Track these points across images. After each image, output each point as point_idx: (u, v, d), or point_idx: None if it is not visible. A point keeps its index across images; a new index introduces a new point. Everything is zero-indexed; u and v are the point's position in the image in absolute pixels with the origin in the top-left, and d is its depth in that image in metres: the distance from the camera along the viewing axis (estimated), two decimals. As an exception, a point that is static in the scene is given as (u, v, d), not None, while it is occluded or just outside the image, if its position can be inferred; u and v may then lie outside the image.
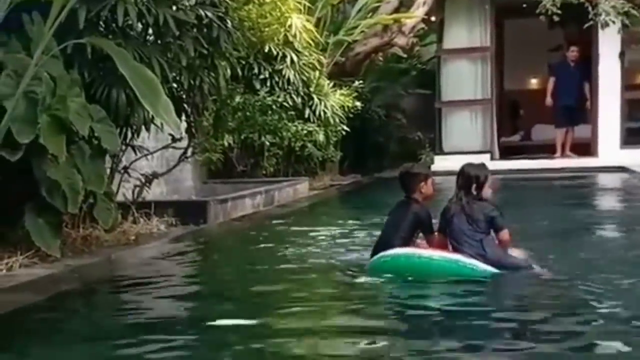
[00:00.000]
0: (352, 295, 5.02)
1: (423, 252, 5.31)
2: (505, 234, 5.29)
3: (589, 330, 4.00)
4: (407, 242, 5.41)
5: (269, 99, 11.52)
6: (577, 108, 15.95)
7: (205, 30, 7.47)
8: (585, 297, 4.66)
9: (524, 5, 14.79)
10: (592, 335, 3.90)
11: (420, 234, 5.54)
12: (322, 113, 12.55)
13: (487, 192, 5.37)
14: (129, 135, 7.53)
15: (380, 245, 5.52)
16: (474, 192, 5.32)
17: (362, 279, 5.34)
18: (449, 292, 4.98)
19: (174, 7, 7.10)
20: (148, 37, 7.23)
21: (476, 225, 5.23)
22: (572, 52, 16.11)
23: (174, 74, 7.43)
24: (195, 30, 7.40)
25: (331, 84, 13.37)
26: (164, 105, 5.33)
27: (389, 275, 5.26)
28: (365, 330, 4.09)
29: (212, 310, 4.71)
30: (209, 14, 7.38)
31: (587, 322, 4.16)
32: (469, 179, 5.34)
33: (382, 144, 17.38)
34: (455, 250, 5.29)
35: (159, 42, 7.19)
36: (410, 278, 5.17)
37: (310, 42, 12.51)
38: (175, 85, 7.72)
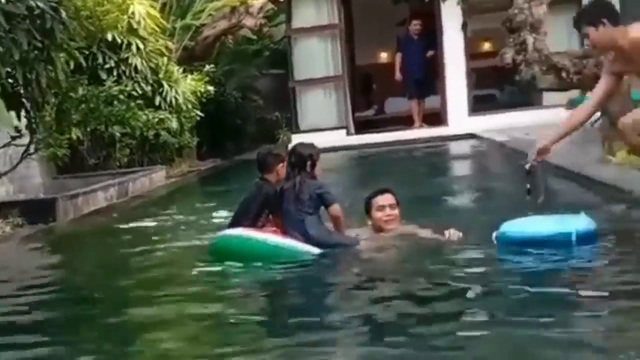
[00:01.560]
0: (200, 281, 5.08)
1: (243, 233, 5.35)
2: (335, 210, 5.36)
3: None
4: (256, 221, 5.51)
5: (115, 88, 11.21)
6: (425, 80, 16.32)
7: (38, 21, 7.18)
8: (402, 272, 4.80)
9: (369, -19, 15.04)
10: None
11: None
12: (173, 100, 12.34)
13: (319, 169, 5.49)
14: (-36, 136, 7.18)
15: (231, 226, 5.60)
16: (308, 170, 5.43)
17: (205, 264, 5.37)
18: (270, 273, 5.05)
19: (3, 0, 6.78)
20: (-25, 31, 6.89)
21: (301, 205, 5.31)
22: (415, 26, 16.47)
23: (8, 69, 7.11)
24: (27, 22, 7.09)
25: (181, 70, 13.17)
26: (-8, 103, 5.09)
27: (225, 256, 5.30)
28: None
29: (61, 313, 4.57)
30: (41, 4, 7.09)
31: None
32: (303, 158, 5.44)
33: (240, 127, 17.30)
34: (284, 231, 5.39)
35: (-12, 36, 6.86)
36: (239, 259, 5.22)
37: (156, 28, 12.25)
38: (10, 80, 7.40)
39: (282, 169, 5.62)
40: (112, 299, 4.79)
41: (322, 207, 5.40)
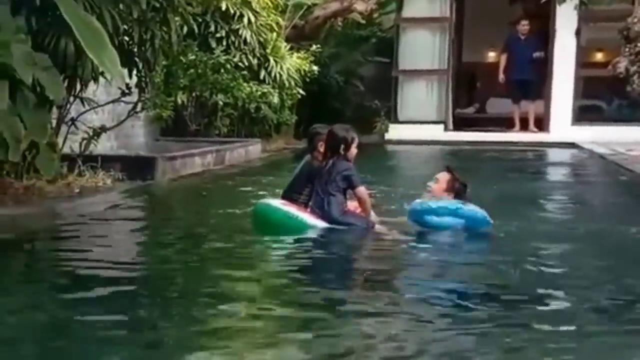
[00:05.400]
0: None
1: (272, 203, 5.80)
2: (360, 192, 5.65)
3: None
4: (301, 190, 5.93)
5: (223, 57, 11.44)
6: (529, 82, 15.97)
7: (159, -18, 7.38)
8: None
9: (486, -22, 14.84)
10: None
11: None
12: (277, 75, 12.51)
13: (352, 152, 5.75)
14: (78, 87, 7.44)
15: (282, 196, 6.05)
16: (342, 152, 5.68)
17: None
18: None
19: (127, -41, 6.99)
20: (100, -14, 7.13)
21: (328, 185, 5.61)
22: (523, 26, 16.13)
23: (125, 27, 7.34)
24: (149, -18, 7.29)
25: (288, 47, 13.30)
26: (109, 56, 5.29)
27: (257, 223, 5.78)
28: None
29: (145, 272, 4.74)
30: (163, -34, 7.28)
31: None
32: (338, 140, 5.71)
33: (338, 110, 17.31)
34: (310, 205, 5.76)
35: (111, -7, 7.09)
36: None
37: (269, 3, 12.42)
38: (126, 38, 7.63)
39: (323, 146, 5.88)
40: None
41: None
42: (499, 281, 4.35)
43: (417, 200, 5.71)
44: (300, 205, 5.83)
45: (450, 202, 5.60)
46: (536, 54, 15.86)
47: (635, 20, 8.77)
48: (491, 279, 4.41)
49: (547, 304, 3.85)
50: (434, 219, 5.53)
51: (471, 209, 5.57)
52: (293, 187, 6.03)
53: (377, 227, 5.66)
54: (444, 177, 5.80)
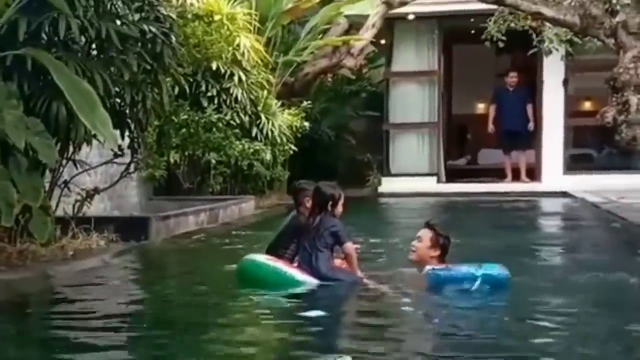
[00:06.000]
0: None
1: (258, 258, 5.79)
2: (347, 247, 5.68)
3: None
4: (287, 246, 5.96)
5: (215, 116, 11.52)
6: (521, 133, 16.13)
7: (149, 45, 7.44)
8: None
9: (472, 32, 15.00)
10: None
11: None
12: (269, 132, 12.58)
13: (339, 209, 5.82)
14: (70, 149, 7.46)
15: (266, 252, 6.01)
16: (329, 209, 5.75)
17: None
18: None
19: (118, 22, 7.06)
20: (91, 51, 7.20)
21: (316, 241, 5.64)
22: (511, 78, 16.39)
23: (116, 89, 7.39)
24: (139, 45, 7.37)
25: (279, 104, 13.41)
26: (100, 118, 5.33)
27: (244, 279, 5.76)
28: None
29: (141, 335, 4.69)
30: (153, 29, 7.33)
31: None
32: (326, 198, 5.77)
33: (331, 165, 17.42)
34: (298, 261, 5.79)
35: (102, 56, 7.16)
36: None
37: (259, 61, 12.56)
38: (118, 100, 7.68)
39: (310, 202, 5.92)
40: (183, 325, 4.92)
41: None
42: (494, 336, 4.33)
43: (438, 267, 5.54)
44: (286, 260, 5.84)
45: (477, 270, 5.45)
46: (529, 110, 16.08)
47: (621, 70, 8.86)
48: (485, 334, 4.38)
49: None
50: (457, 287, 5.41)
51: (501, 271, 5.48)
52: (279, 243, 6.06)
53: (365, 281, 5.66)
54: (426, 234, 5.66)
